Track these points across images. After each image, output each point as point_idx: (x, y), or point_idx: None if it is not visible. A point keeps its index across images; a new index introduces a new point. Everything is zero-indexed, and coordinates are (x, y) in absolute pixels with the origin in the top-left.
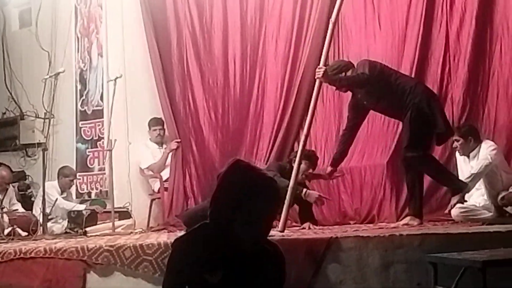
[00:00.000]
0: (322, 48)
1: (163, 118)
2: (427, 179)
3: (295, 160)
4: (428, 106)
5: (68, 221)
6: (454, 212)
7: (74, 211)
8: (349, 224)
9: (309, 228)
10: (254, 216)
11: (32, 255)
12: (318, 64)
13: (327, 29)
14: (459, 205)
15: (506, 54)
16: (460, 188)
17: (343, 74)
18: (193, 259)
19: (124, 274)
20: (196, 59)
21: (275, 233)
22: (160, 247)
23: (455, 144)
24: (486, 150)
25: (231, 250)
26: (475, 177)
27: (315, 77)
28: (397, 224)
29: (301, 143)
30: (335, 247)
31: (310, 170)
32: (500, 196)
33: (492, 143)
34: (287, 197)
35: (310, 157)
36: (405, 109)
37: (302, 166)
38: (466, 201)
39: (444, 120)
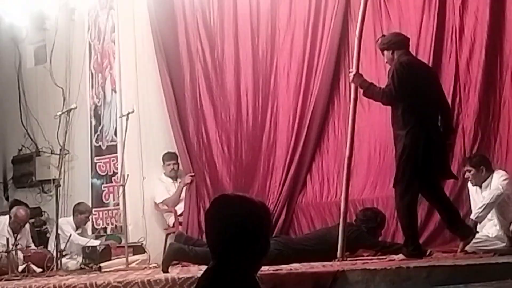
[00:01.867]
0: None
1: (177, 153)
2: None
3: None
4: (416, 154)
5: (82, 257)
6: None
7: (88, 246)
8: (363, 256)
9: None
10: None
11: None
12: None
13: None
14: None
15: None
16: (412, 252)
17: (391, 52)
18: None
19: None
20: (208, 93)
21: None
22: (168, 282)
23: (467, 174)
24: (498, 180)
25: None
26: (486, 207)
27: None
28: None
29: (346, 164)
30: (342, 281)
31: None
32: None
33: (504, 172)
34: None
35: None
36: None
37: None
38: (478, 232)
39: (441, 167)
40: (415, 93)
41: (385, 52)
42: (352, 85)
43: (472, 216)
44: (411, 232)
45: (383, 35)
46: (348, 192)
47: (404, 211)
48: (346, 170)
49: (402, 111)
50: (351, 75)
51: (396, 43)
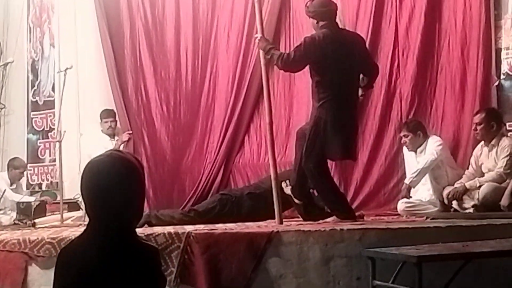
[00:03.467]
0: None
1: (115, 110)
2: (374, 174)
3: None
4: (324, 129)
5: (17, 213)
6: (400, 206)
7: (22, 202)
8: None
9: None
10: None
11: None
12: None
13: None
14: (404, 199)
15: (454, 50)
16: (344, 217)
17: (315, 21)
18: None
19: None
20: (148, 51)
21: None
22: None
23: (404, 139)
24: (433, 145)
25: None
26: (420, 172)
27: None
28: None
29: (268, 131)
30: (276, 241)
31: None
32: (445, 192)
33: (438, 138)
34: (273, 189)
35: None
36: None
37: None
38: (411, 196)
39: (341, 147)
40: (328, 68)
41: (311, 19)
42: (261, 53)
43: (406, 181)
44: (337, 198)
45: (312, 0)
46: (275, 159)
47: (318, 180)
48: (269, 136)
49: (316, 83)
50: (257, 40)
51: (320, 14)
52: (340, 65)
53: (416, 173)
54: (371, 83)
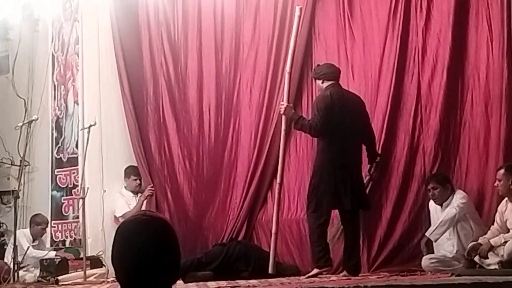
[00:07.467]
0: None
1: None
2: (398, 230)
3: None
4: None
5: (40, 270)
6: (424, 263)
7: (46, 259)
8: (322, 274)
9: None
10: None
11: None
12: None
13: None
14: (429, 255)
15: (477, 105)
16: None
17: (321, 82)
18: None
19: None
20: (171, 107)
21: None
22: None
23: (432, 192)
24: (457, 200)
25: None
26: (440, 225)
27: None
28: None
29: (277, 190)
30: None
31: None
32: (468, 247)
33: (464, 193)
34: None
35: None
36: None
37: None
38: (429, 252)
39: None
40: (332, 125)
41: (317, 81)
42: (283, 117)
43: (427, 233)
44: (319, 248)
45: (318, 65)
46: (278, 215)
47: (310, 229)
48: (277, 195)
49: (321, 138)
50: (282, 107)
51: (326, 74)
52: (344, 122)
53: (435, 227)
54: (373, 149)
